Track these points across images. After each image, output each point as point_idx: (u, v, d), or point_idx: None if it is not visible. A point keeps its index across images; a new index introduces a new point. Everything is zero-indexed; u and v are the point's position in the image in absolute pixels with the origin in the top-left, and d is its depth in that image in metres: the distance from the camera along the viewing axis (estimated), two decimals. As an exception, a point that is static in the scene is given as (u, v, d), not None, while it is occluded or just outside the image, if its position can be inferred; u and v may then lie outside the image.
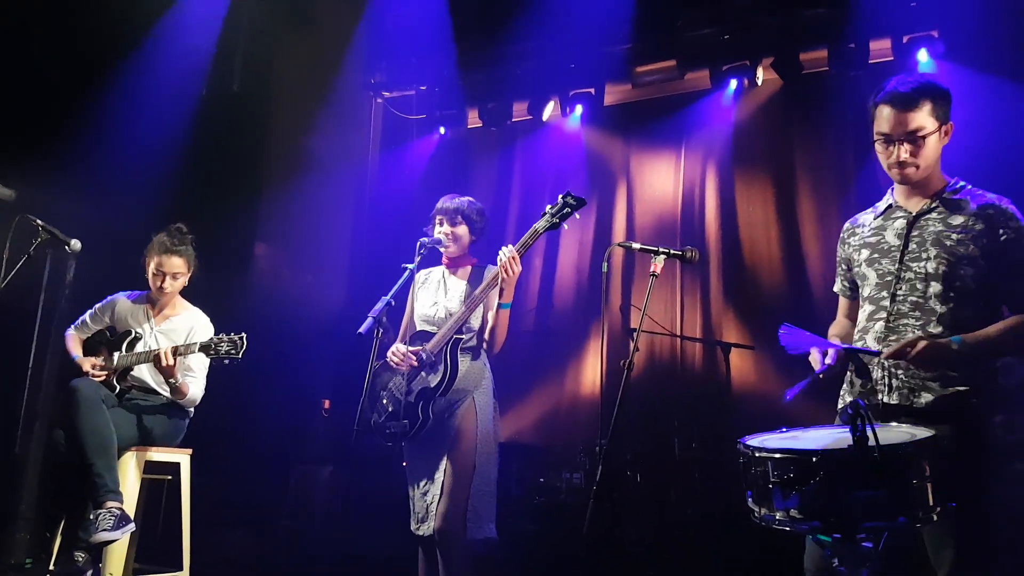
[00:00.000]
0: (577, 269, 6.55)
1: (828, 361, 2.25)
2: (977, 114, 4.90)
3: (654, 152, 6.56)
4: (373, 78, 7.08)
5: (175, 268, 3.90)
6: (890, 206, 2.45)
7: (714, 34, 5.93)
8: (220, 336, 3.64)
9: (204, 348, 3.64)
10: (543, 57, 6.35)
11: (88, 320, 4.06)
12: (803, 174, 5.88)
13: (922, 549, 2.12)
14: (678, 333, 5.87)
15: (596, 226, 6.56)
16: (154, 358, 3.68)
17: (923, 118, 2.27)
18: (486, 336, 3.35)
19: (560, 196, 3.29)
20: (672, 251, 2.93)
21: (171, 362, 3.65)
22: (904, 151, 2.28)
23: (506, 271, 3.15)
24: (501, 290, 3.24)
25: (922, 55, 5.35)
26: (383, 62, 6.99)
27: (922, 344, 2.13)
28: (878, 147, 2.35)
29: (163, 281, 3.90)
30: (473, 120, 6.92)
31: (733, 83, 6.05)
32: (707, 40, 5.97)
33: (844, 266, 2.58)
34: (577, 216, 3.28)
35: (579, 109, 6.54)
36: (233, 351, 3.59)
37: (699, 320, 5.99)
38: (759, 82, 5.91)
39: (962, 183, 2.39)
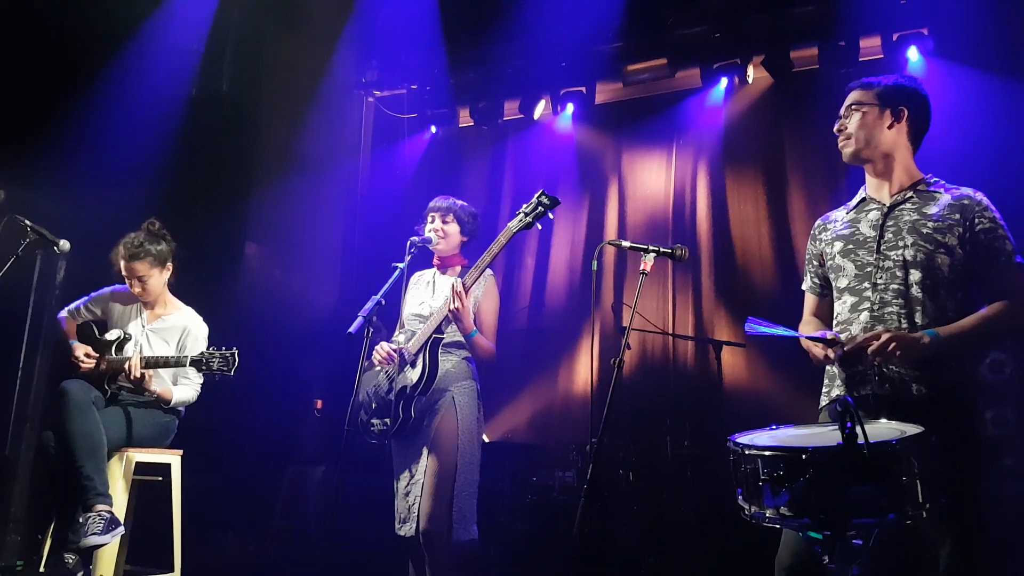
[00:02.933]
0: (569, 268, 6.55)
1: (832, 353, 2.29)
2: (967, 111, 4.93)
3: (645, 150, 6.56)
4: (364, 77, 7.07)
5: (139, 272, 3.81)
6: (863, 200, 2.49)
7: (705, 32, 5.94)
8: (211, 351, 3.59)
9: (195, 363, 3.60)
10: (534, 55, 6.35)
11: (83, 308, 4.01)
12: (794, 172, 5.89)
13: (914, 546, 2.13)
14: (670, 331, 5.88)
15: (588, 225, 6.56)
16: (123, 370, 3.64)
17: (862, 96, 2.44)
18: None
19: (535, 195, 3.30)
20: (662, 249, 2.92)
21: (138, 374, 3.62)
22: (844, 119, 2.45)
23: (455, 307, 3.14)
24: (460, 327, 3.24)
25: (912, 52, 5.37)
26: (374, 61, 6.98)
27: (886, 337, 2.14)
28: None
29: (132, 285, 3.86)
30: (464, 119, 6.91)
31: (724, 81, 6.06)
32: (698, 38, 5.98)
33: (815, 263, 2.59)
34: (551, 216, 3.28)
35: (570, 107, 6.55)
36: (225, 368, 3.55)
37: (691, 318, 5.99)
38: (750, 80, 5.92)
39: (935, 178, 2.43)
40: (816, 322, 2.58)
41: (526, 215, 3.25)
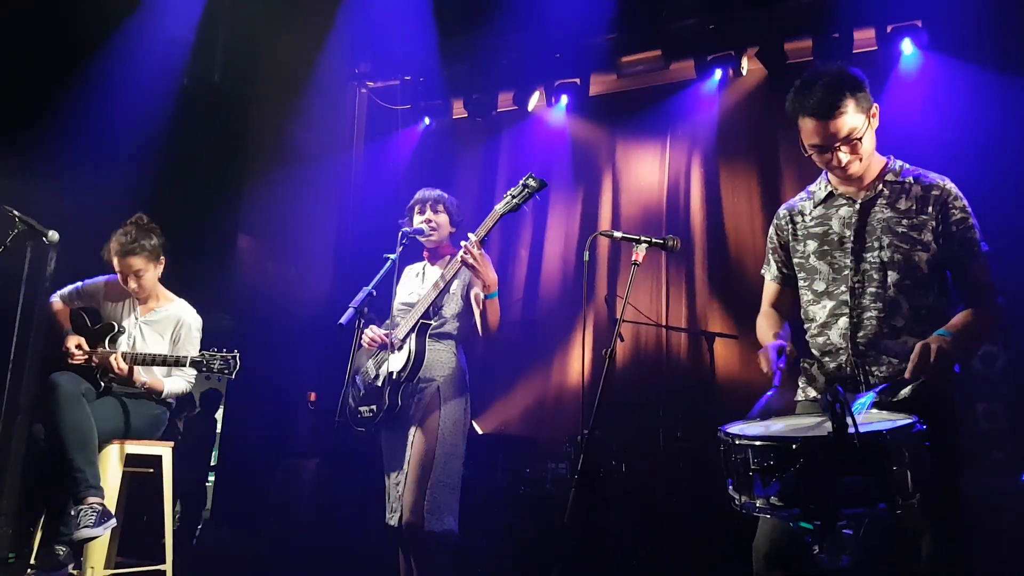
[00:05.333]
0: (563, 260, 6.55)
1: (782, 365, 2.19)
2: (960, 102, 4.94)
3: (640, 142, 6.55)
4: (357, 68, 7.05)
5: (135, 267, 3.77)
6: (831, 194, 2.40)
7: (699, 24, 5.94)
8: (212, 352, 3.61)
9: (195, 364, 3.61)
10: (528, 47, 6.33)
11: (76, 294, 3.99)
12: (787, 164, 5.89)
13: (900, 536, 2.13)
14: (663, 323, 5.88)
15: (582, 217, 6.56)
16: (107, 365, 3.62)
17: (851, 119, 2.20)
18: (477, 322, 3.30)
19: (522, 179, 3.27)
20: (654, 239, 2.92)
21: (123, 368, 3.61)
22: (844, 154, 2.24)
23: (469, 259, 3.12)
24: (482, 283, 3.20)
25: (906, 45, 5.37)
26: (367, 52, 6.95)
27: (935, 348, 2.02)
28: (813, 155, 2.29)
29: (128, 281, 3.82)
30: (458, 110, 6.90)
31: (718, 73, 6.06)
32: (692, 30, 5.97)
33: (781, 252, 2.51)
34: (537, 198, 3.25)
35: (564, 99, 6.54)
36: (225, 370, 3.57)
37: (684, 310, 6.00)
38: (744, 72, 5.92)
39: (900, 163, 2.36)
40: (774, 315, 2.52)
41: (512, 198, 3.23)
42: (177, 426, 6.86)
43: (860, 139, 2.22)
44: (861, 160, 2.27)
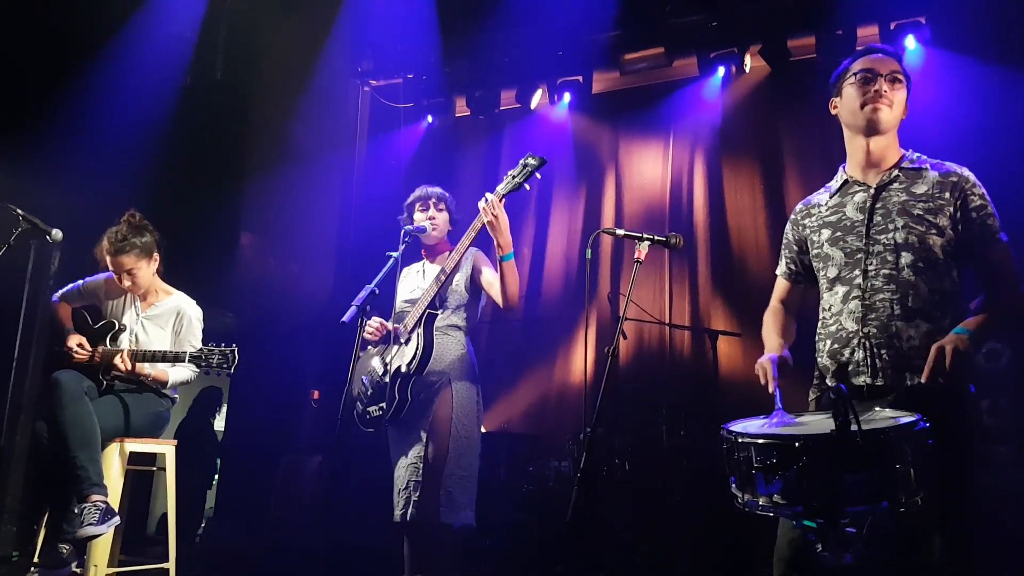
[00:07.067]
0: (566, 258, 6.54)
1: (773, 386, 2.21)
2: (964, 99, 4.92)
3: (642, 140, 6.54)
4: (359, 66, 7.04)
5: (127, 266, 3.77)
6: (846, 182, 2.42)
7: (701, 21, 5.92)
8: (211, 347, 3.59)
9: (195, 359, 3.59)
10: (530, 45, 6.32)
11: (77, 293, 3.99)
12: (790, 161, 5.88)
13: (907, 533, 2.12)
14: (666, 321, 5.87)
15: (585, 214, 6.55)
16: (114, 363, 3.63)
17: (898, 67, 2.34)
18: (496, 295, 3.26)
19: (521, 159, 3.24)
20: (656, 237, 2.91)
21: (127, 367, 3.62)
22: (885, 86, 2.30)
23: (490, 216, 3.08)
24: (497, 243, 3.15)
25: (909, 41, 5.36)
26: (369, 50, 6.95)
27: (950, 348, 2.00)
28: (854, 86, 2.35)
29: (122, 280, 3.83)
30: (461, 108, 6.89)
31: (721, 70, 6.05)
32: (694, 27, 5.96)
33: (795, 248, 2.52)
34: (539, 176, 3.21)
35: (567, 97, 6.53)
36: (225, 364, 3.55)
37: (687, 308, 5.99)
38: (747, 69, 5.90)
39: (917, 154, 2.38)
40: (781, 312, 2.52)
41: (513, 177, 3.20)
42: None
43: (900, 83, 2.31)
44: (892, 108, 2.30)
